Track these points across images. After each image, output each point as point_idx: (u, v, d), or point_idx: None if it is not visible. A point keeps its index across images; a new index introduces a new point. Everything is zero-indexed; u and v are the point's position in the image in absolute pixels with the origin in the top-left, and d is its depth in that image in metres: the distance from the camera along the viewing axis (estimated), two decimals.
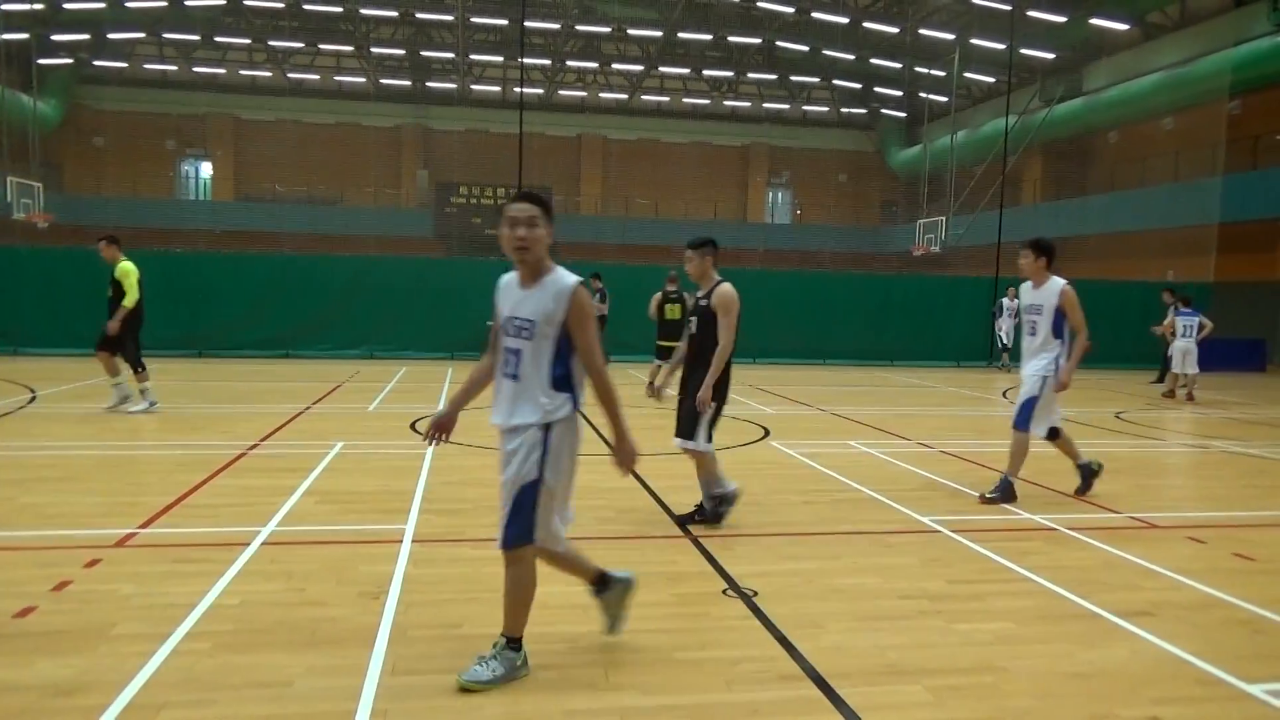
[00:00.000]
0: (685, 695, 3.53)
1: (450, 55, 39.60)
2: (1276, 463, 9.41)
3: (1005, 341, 20.32)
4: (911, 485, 7.62)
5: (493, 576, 4.82)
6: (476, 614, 4.30)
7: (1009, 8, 27.44)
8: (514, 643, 3.69)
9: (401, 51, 40.05)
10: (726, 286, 5.98)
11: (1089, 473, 7.40)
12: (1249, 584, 5.12)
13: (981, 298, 22.14)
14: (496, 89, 42.43)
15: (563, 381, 3.63)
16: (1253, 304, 24.64)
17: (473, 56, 39.86)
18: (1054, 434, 7.24)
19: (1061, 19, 29.51)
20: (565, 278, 3.62)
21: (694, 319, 6.11)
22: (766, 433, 10.38)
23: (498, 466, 3.70)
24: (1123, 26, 28.98)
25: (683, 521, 6.10)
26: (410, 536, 5.63)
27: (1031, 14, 29.52)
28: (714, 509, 6.11)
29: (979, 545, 5.76)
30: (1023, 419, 7.00)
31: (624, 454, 3.79)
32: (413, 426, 10.16)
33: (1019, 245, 7.23)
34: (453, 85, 42.06)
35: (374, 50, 39.97)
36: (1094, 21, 28.62)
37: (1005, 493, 7.00)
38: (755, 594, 4.70)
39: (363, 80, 42.17)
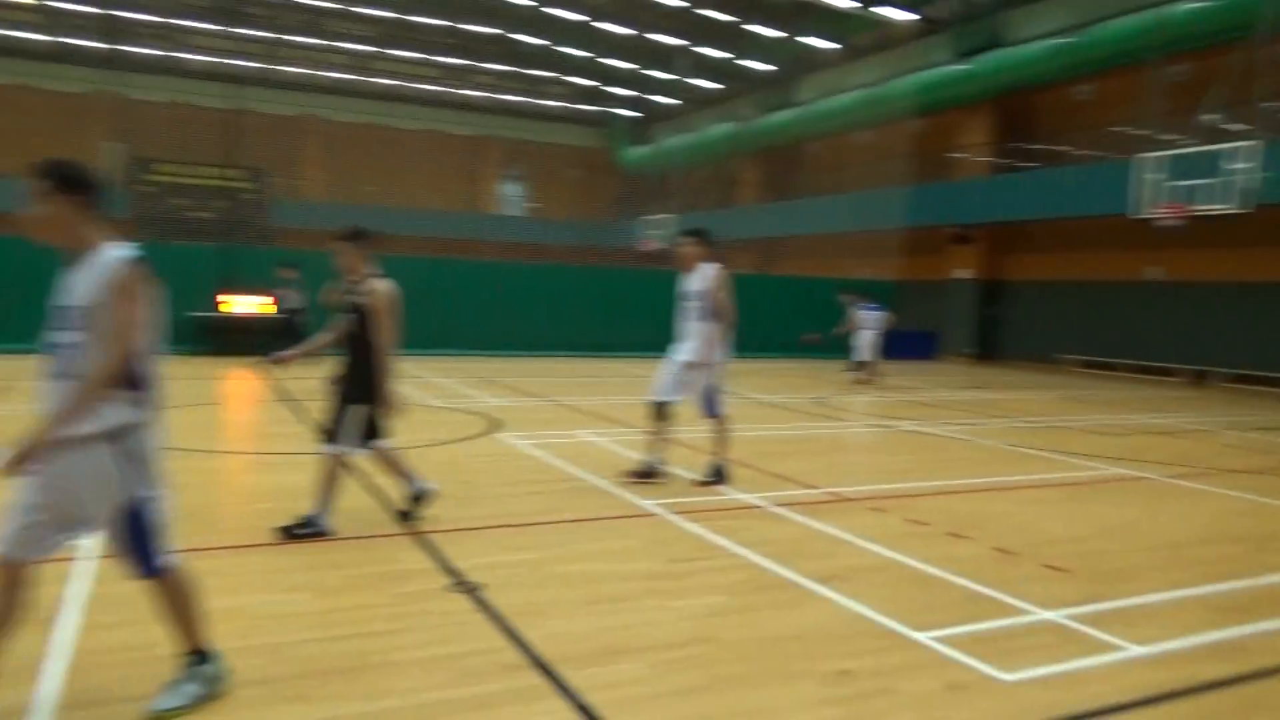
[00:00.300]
0: (407, 696, 3.44)
1: (151, 18, 35.82)
2: (944, 439, 10.73)
3: None
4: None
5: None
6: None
7: (732, 19, 29.17)
8: (202, 656, 3.38)
9: (91, 9, 35.65)
10: (384, 284, 5.56)
11: (718, 474, 7.46)
12: (920, 545, 5.79)
13: None
14: (206, 59, 38.97)
15: (127, 379, 3.12)
16: (927, 301, 27.96)
17: (178, 22, 36.32)
18: (662, 410, 7.36)
19: (776, 34, 31.80)
20: (110, 253, 3.15)
21: (349, 315, 5.61)
22: (495, 424, 10.35)
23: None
24: (828, 45, 31.72)
25: (287, 533, 5.42)
26: (97, 552, 5.03)
27: (750, 27, 31.57)
28: (412, 507, 5.96)
29: (695, 525, 6.09)
30: (712, 408, 7.30)
31: (19, 455, 3.06)
32: None
33: (679, 235, 7.51)
34: (154, 52, 38.07)
35: (55, 4, 35.29)
36: (805, 39, 31.09)
37: (718, 475, 7.37)
38: (481, 587, 4.66)
39: (44, 38, 37.14)
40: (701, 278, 7.22)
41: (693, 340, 7.23)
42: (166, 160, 35.27)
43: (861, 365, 17.47)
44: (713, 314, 7.17)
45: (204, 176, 35.57)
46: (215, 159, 32.48)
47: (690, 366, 7.22)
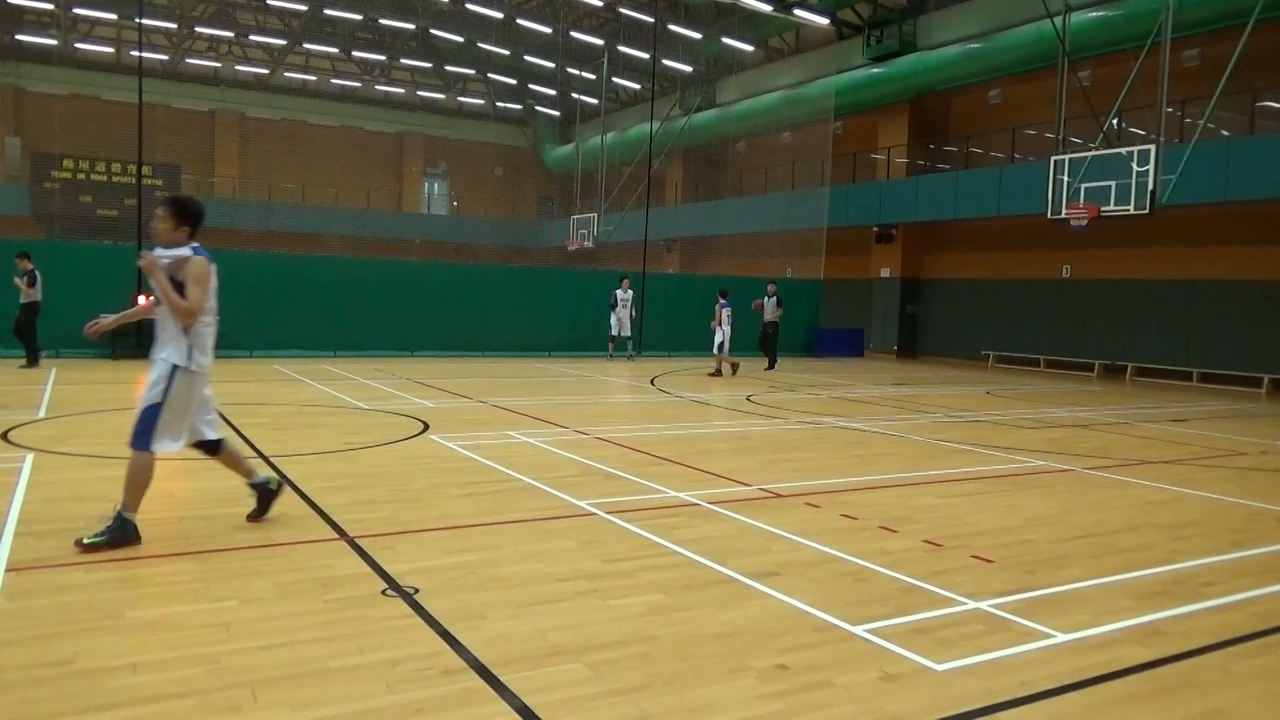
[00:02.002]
0: (343, 704, 3.35)
1: (47, 6, 34.22)
2: (874, 434, 10.95)
3: (616, 332, 21.53)
4: (570, 471, 7.86)
5: (111, 602, 4.29)
6: (92, 647, 3.76)
7: (651, 20, 29.31)
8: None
9: None
10: None
11: (266, 493, 5.95)
12: (853, 540, 5.90)
13: (632, 291, 23.42)
14: (109, 50, 37.46)
15: None
16: (854, 299, 28.53)
17: (77, 11, 34.81)
18: (213, 447, 5.68)
19: (696, 35, 32.03)
20: None
21: None
22: (426, 426, 10.19)
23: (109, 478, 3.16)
24: (748, 48, 32.09)
25: None
26: (2, 565, 4.79)
27: (671, 28, 31.73)
28: None
29: (632, 524, 6.08)
30: (142, 436, 5.28)
31: None
32: (4, 436, 8.69)
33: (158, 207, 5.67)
34: (52, 41, 36.40)
35: None
36: (724, 40, 31.40)
37: (118, 535, 5.18)
38: (417, 591, 4.58)
39: None
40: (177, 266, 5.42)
41: (164, 349, 5.42)
42: (69, 156, 33.84)
43: (718, 359, 18.41)
44: (180, 308, 5.34)
45: (110, 172, 34.27)
46: (122, 154, 31.23)
47: (168, 388, 5.33)
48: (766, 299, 19.79)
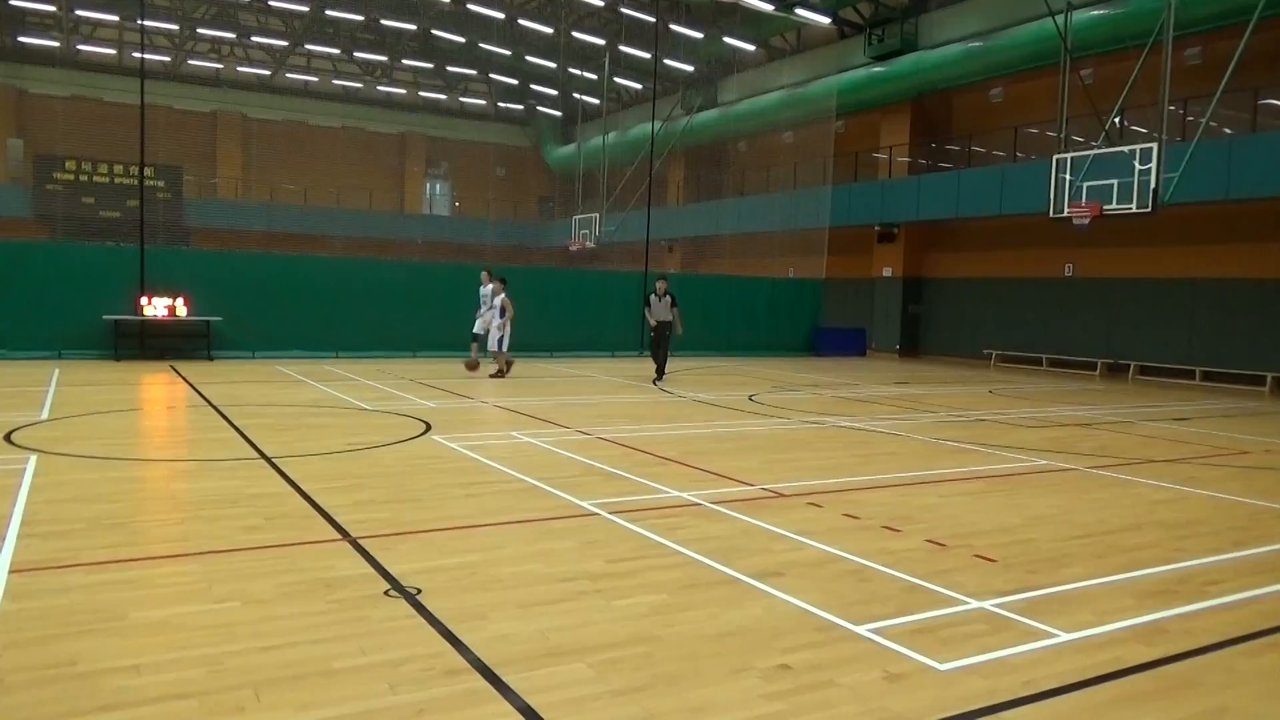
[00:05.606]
0: (346, 705, 3.35)
1: (49, 8, 34.26)
2: (876, 434, 10.94)
3: (480, 331, 17.38)
4: (572, 472, 7.86)
5: (114, 604, 4.29)
6: (94, 648, 3.77)
7: (653, 20, 29.31)
8: None
9: None
10: None
11: None
12: (856, 539, 5.89)
13: (633, 291, 23.43)
14: (111, 52, 37.49)
15: None
16: (856, 298, 28.51)
17: (80, 13, 34.84)
18: None
19: (698, 35, 32.02)
20: None
21: None
22: (428, 427, 10.19)
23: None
24: (749, 47, 32.08)
25: None
26: (5, 566, 4.80)
27: (673, 27, 31.73)
28: None
29: (634, 524, 6.08)
30: None
31: None
32: (8, 438, 8.70)
33: None
34: (54, 43, 36.44)
35: None
36: (726, 40, 31.38)
37: None
38: (419, 591, 4.58)
39: None
40: None
41: None
42: (71, 157, 33.89)
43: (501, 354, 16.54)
44: None
45: (113, 174, 34.31)
46: (124, 156, 31.23)
47: None
48: (656, 298, 16.95)
